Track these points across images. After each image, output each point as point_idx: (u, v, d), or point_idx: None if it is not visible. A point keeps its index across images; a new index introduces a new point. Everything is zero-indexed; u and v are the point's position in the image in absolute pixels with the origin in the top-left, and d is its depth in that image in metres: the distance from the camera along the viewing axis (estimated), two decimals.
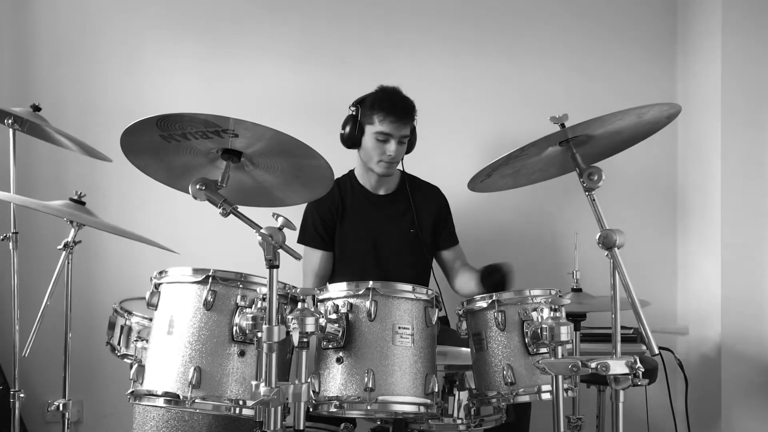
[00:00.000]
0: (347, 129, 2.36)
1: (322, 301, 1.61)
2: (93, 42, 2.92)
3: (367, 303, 1.53)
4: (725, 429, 2.62)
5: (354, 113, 2.35)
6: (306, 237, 2.44)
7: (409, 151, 2.43)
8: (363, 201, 2.45)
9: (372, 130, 2.31)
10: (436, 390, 1.56)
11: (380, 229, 2.43)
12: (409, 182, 2.49)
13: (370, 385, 1.48)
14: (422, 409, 1.54)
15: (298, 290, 1.53)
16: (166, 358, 1.51)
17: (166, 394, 1.48)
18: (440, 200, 2.56)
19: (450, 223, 2.57)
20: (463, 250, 2.59)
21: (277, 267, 1.37)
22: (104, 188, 2.81)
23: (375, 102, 2.32)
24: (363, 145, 2.36)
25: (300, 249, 2.41)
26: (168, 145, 1.46)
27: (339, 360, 1.53)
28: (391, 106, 2.30)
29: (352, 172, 2.51)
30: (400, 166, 2.47)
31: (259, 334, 1.40)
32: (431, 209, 2.50)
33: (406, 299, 1.58)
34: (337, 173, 1.59)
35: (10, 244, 2.05)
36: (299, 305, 1.41)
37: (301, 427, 1.35)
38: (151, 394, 1.50)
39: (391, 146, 2.31)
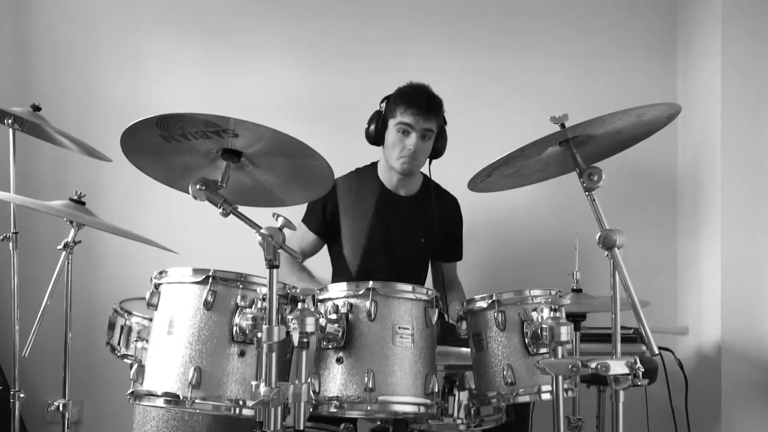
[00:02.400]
0: (372, 124, 2.31)
1: (322, 301, 1.61)
2: (93, 42, 2.92)
3: (367, 303, 1.53)
4: (725, 429, 2.61)
5: (379, 109, 2.31)
6: (307, 216, 2.40)
7: (436, 156, 2.36)
8: (380, 198, 2.40)
9: (394, 122, 2.26)
10: (436, 390, 1.55)
11: (393, 229, 2.39)
12: (431, 187, 2.43)
13: (370, 386, 1.48)
14: (422, 409, 1.54)
15: (298, 290, 1.53)
16: (166, 358, 1.51)
17: (166, 394, 1.48)
18: (456, 213, 2.53)
19: (459, 237, 2.55)
20: (464, 250, 2.60)
21: (277, 267, 1.37)
22: (104, 188, 2.81)
23: (399, 94, 2.28)
24: (386, 140, 2.31)
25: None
26: (168, 145, 1.46)
27: (339, 360, 1.53)
28: (413, 97, 2.25)
29: (374, 165, 2.46)
30: (426, 170, 2.41)
31: (259, 335, 1.40)
32: (446, 221, 2.47)
33: (406, 299, 1.58)
34: (338, 173, 1.59)
35: (10, 244, 2.05)
36: (299, 305, 1.41)
37: (302, 428, 1.35)
38: (151, 394, 1.50)
39: (412, 139, 2.24)
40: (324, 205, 2.37)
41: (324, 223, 2.39)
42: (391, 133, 2.28)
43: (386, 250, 2.38)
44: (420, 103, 2.25)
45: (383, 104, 2.32)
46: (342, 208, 2.38)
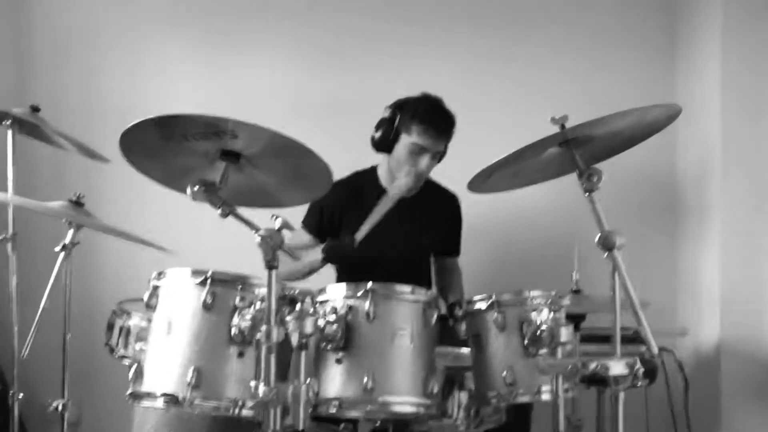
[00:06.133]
0: (381, 132, 2.25)
1: (321, 302, 1.60)
2: (92, 42, 2.92)
3: (366, 304, 1.53)
4: (725, 429, 2.61)
5: (391, 117, 2.24)
6: (307, 219, 2.39)
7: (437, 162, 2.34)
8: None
9: (408, 140, 2.22)
10: (436, 391, 1.56)
11: (397, 230, 2.35)
12: (430, 187, 2.43)
13: (370, 386, 1.48)
14: (422, 409, 1.54)
15: (297, 291, 1.53)
16: (165, 359, 1.51)
17: (165, 395, 1.48)
18: (456, 210, 2.53)
19: (458, 234, 2.55)
20: (464, 251, 2.60)
21: (276, 268, 1.37)
22: (103, 189, 2.80)
23: (417, 112, 2.20)
24: (394, 152, 2.27)
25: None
26: (167, 146, 1.46)
27: (338, 361, 1.53)
28: (434, 120, 2.20)
29: (374, 169, 2.44)
30: None
31: (258, 336, 1.40)
32: (446, 217, 2.48)
33: (405, 300, 1.58)
34: (337, 174, 1.59)
35: (9, 245, 2.04)
36: (298, 306, 1.41)
37: (301, 428, 1.34)
38: (150, 395, 1.50)
39: (425, 160, 2.22)
40: (322, 208, 2.36)
41: (322, 226, 2.38)
42: (403, 149, 2.24)
43: (392, 251, 2.37)
44: (440, 126, 2.22)
45: (391, 112, 2.24)
46: (344, 212, 2.37)
